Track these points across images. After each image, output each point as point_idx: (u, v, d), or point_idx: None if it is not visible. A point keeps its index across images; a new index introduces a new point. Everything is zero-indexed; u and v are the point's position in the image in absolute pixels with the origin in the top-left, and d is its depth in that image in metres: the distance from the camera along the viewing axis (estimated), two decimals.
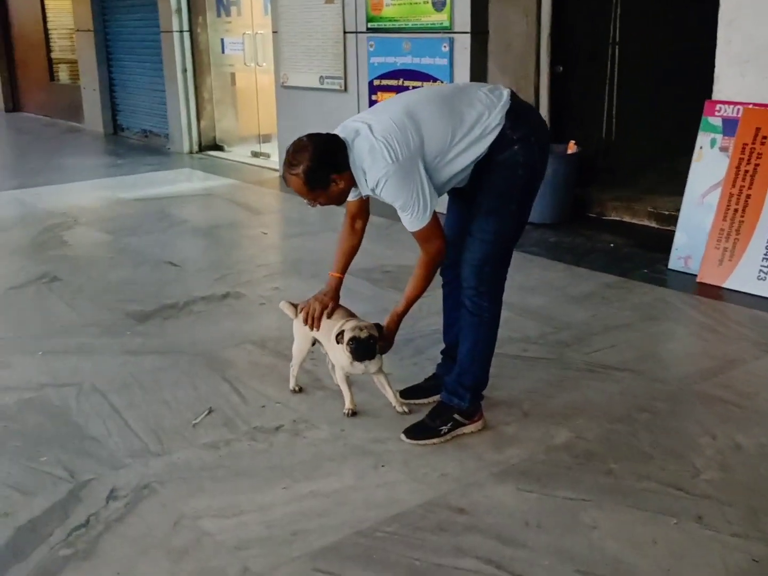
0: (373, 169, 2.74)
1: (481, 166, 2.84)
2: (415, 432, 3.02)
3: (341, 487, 2.70)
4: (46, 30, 12.83)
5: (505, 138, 2.79)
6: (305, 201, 2.92)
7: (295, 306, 3.36)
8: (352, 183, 2.85)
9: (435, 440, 2.98)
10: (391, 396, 3.20)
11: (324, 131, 2.87)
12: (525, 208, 2.97)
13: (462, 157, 2.80)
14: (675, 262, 4.87)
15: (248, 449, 2.96)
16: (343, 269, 3.19)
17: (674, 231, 4.95)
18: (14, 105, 14.12)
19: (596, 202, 6.20)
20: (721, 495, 2.63)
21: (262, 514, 2.56)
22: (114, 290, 4.74)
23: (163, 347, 3.89)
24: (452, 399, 3.03)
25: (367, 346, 3.02)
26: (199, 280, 4.94)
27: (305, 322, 3.18)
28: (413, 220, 2.78)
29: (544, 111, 6.31)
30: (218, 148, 9.55)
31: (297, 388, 3.37)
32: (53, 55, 12.87)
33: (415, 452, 2.92)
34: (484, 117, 2.79)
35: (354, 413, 3.18)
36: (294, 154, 2.79)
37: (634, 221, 5.96)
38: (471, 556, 2.35)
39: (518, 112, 2.85)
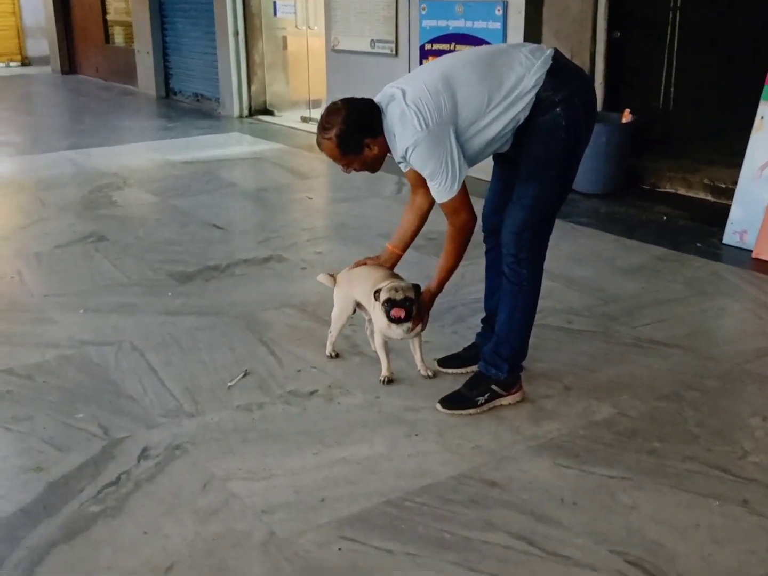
0: (402, 136, 2.69)
1: (522, 130, 2.74)
2: (451, 401, 2.95)
3: (372, 455, 2.65)
4: None
5: (545, 100, 2.68)
6: (340, 167, 2.89)
7: (332, 276, 3.31)
8: (386, 149, 2.81)
9: (471, 411, 2.91)
10: (418, 359, 3.15)
11: (371, 96, 2.82)
12: (568, 174, 2.84)
13: (498, 122, 2.70)
14: (730, 237, 4.70)
15: (281, 413, 2.92)
16: (399, 243, 3.15)
17: (730, 204, 4.77)
18: (70, 67, 14.25)
19: (650, 173, 6.01)
20: None
21: (292, 478, 2.52)
22: (158, 251, 4.74)
23: (203, 308, 3.88)
24: (489, 369, 2.95)
25: (402, 308, 2.95)
26: (242, 242, 4.91)
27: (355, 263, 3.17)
28: (441, 191, 2.72)
29: (599, 78, 6.12)
30: (268, 112, 9.51)
31: (334, 354, 3.33)
32: (109, 18, 12.92)
33: (450, 423, 2.85)
34: (523, 79, 2.68)
35: (390, 381, 3.12)
36: (327, 117, 2.77)
37: (689, 193, 5.77)
38: (502, 531, 2.28)
39: (560, 72, 2.71)
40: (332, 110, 2.77)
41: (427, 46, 6.57)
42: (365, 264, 3.23)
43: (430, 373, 3.16)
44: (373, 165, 2.87)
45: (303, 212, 5.82)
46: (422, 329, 3.10)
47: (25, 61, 16.19)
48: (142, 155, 7.52)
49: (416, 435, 2.77)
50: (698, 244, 4.71)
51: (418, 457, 2.64)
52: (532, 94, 2.67)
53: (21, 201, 5.99)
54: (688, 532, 2.29)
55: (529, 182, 2.76)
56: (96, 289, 4.13)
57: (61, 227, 5.22)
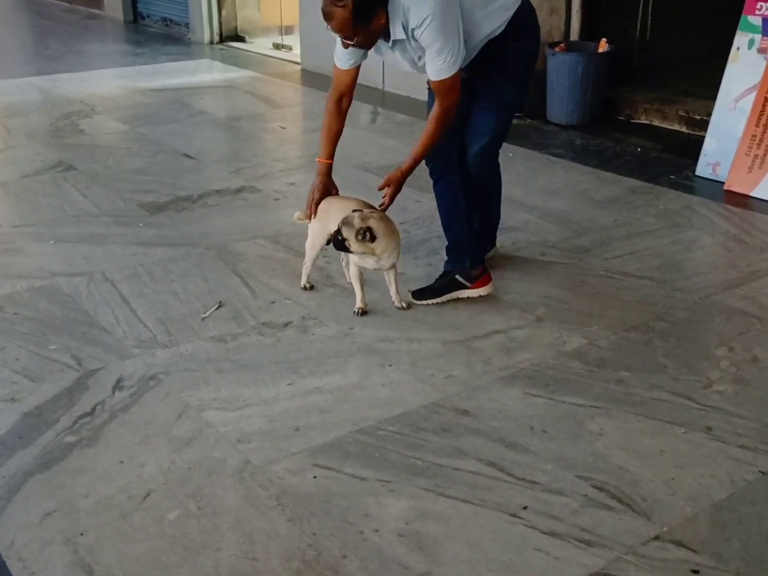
0: (419, 7, 2.70)
1: (495, 52, 2.92)
2: (420, 293, 3.22)
3: (345, 385, 2.68)
4: None
5: (519, 23, 2.94)
6: (339, 38, 2.82)
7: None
8: (386, 24, 2.77)
9: (435, 300, 3.21)
10: (393, 290, 3.17)
11: None
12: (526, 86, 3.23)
13: (487, 22, 2.87)
14: (703, 169, 4.71)
15: (255, 344, 2.94)
16: (332, 154, 3.17)
17: (704, 136, 4.77)
18: None
19: (626, 104, 5.97)
20: (733, 407, 2.58)
21: (266, 408, 2.55)
22: (129, 180, 4.67)
23: (175, 239, 3.85)
24: (453, 265, 3.27)
25: (337, 240, 2.99)
26: (214, 172, 4.85)
27: (306, 217, 3.16)
28: (444, 67, 2.77)
29: (576, 7, 6.02)
30: (239, 39, 9.27)
31: (308, 285, 3.33)
32: None
33: (423, 353, 2.88)
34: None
35: (364, 312, 3.13)
36: None
37: (664, 125, 5.75)
38: (472, 458, 2.33)
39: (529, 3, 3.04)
40: None
41: None
42: (311, 197, 3.19)
43: (404, 305, 3.18)
44: (374, 38, 2.84)
45: (276, 142, 5.74)
46: (386, 206, 3.07)
47: None
48: (110, 82, 7.34)
49: (389, 365, 2.80)
50: (672, 176, 4.73)
51: (390, 387, 2.68)
52: (515, 8, 2.93)
53: None
54: (653, 457, 2.35)
55: (502, 92, 3.05)
56: (66, 220, 4.08)
57: (28, 156, 5.11)
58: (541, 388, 2.67)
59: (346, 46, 2.86)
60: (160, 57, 8.58)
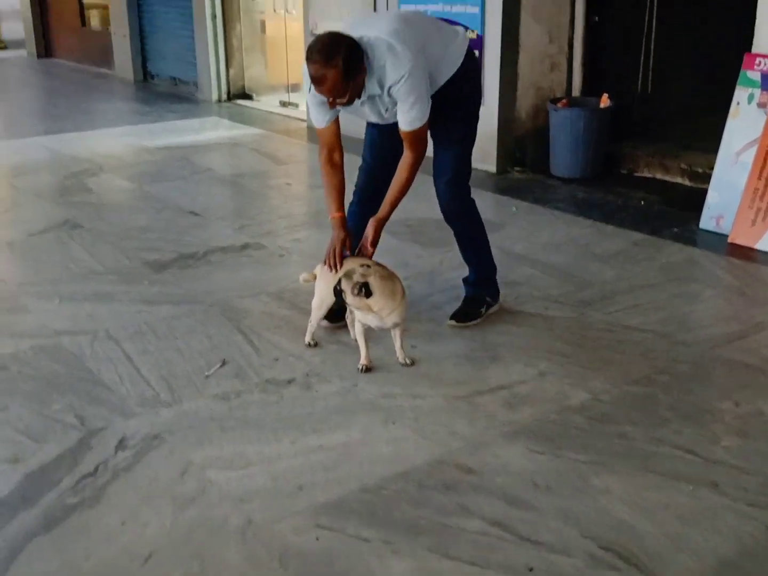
0: (397, 66, 2.89)
1: (450, 94, 3.14)
2: (460, 317, 3.49)
3: (349, 442, 2.67)
4: None
5: (468, 65, 3.20)
6: (327, 100, 2.95)
7: (313, 273, 3.35)
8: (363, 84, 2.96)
9: (476, 321, 3.51)
10: (398, 346, 3.18)
11: None
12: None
13: (447, 68, 3.11)
14: (706, 222, 4.74)
15: (258, 401, 2.94)
16: (343, 206, 3.25)
17: (707, 189, 4.81)
18: (46, 50, 14.06)
19: (628, 158, 6.04)
20: (739, 462, 2.56)
21: (269, 466, 2.54)
22: (134, 238, 4.72)
23: (179, 296, 3.87)
24: (481, 291, 3.58)
25: (335, 291, 3.05)
26: (219, 229, 4.90)
27: (329, 267, 3.18)
28: (417, 117, 2.98)
29: (577, 63, 6.14)
30: (246, 96, 9.45)
31: (312, 343, 3.33)
32: (85, 0, 12.75)
33: (426, 409, 2.87)
34: (459, 39, 3.18)
35: (368, 369, 3.14)
36: (328, 45, 2.83)
37: (666, 178, 5.81)
38: (477, 517, 2.31)
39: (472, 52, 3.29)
40: (330, 39, 2.85)
41: None
42: (332, 249, 3.21)
43: (408, 361, 3.18)
44: (358, 93, 2.99)
45: (281, 198, 5.80)
46: (370, 255, 3.16)
47: (1, 45, 15.96)
48: (118, 140, 7.47)
49: (393, 422, 2.79)
50: (675, 229, 4.75)
51: (394, 444, 2.67)
52: (462, 59, 3.15)
53: None
54: (658, 513, 2.33)
55: (459, 135, 3.30)
56: (71, 278, 4.12)
57: (35, 214, 5.18)
58: (544, 443, 2.66)
59: (333, 106, 2.98)
60: (168, 115, 8.74)
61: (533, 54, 5.98)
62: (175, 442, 2.68)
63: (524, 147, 6.14)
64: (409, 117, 3.00)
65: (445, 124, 3.25)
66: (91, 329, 3.50)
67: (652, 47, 6.52)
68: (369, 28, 3.00)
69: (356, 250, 3.21)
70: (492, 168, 6.08)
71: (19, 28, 14.74)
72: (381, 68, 2.90)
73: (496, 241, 4.54)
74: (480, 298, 3.57)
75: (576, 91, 6.20)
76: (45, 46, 14.04)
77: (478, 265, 3.62)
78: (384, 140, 3.33)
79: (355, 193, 3.51)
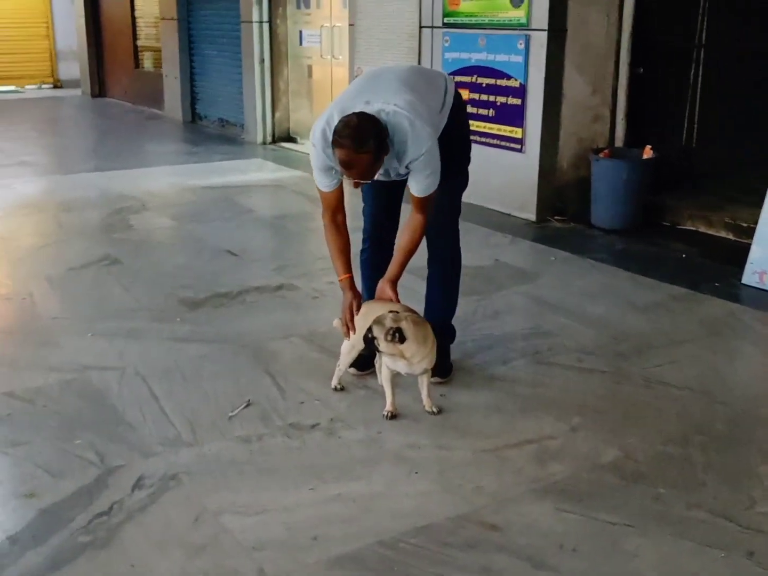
0: (417, 143, 2.90)
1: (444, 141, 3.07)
2: (441, 372, 3.32)
3: (369, 493, 2.60)
4: (133, 17, 13.06)
5: (457, 109, 3.22)
6: (350, 181, 2.95)
7: None
8: None
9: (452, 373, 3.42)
10: (425, 394, 3.11)
11: None
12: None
13: (441, 121, 3.11)
14: (749, 277, 4.61)
15: (281, 446, 2.88)
16: (350, 267, 3.24)
17: (750, 244, 4.69)
18: (100, 90, 14.43)
19: (671, 210, 5.94)
20: None
21: (285, 514, 2.48)
22: (171, 276, 4.74)
23: (211, 336, 3.86)
24: (447, 339, 3.47)
25: (366, 339, 2.98)
26: (255, 270, 4.90)
27: (344, 335, 3.17)
28: (431, 185, 3.00)
29: (621, 114, 6.09)
30: (291, 140, 9.55)
31: (339, 387, 3.28)
32: (139, 43, 13.10)
33: (452, 461, 2.79)
34: (447, 92, 3.18)
35: (393, 416, 3.07)
36: (360, 131, 2.80)
37: (709, 232, 5.69)
38: None
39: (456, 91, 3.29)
40: (359, 124, 2.80)
41: None
42: (344, 316, 3.20)
43: (435, 410, 3.11)
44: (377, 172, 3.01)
45: (319, 241, 5.73)
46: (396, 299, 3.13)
47: (57, 84, 16.43)
48: (163, 179, 7.57)
49: (416, 473, 2.71)
50: (716, 284, 4.63)
51: (416, 497, 2.59)
52: (450, 106, 3.16)
53: (39, 222, 6.04)
54: None
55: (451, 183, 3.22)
56: (105, 314, 4.13)
57: (76, 250, 5.24)
58: (573, 502, 2.56)
59: (357, 186, 2.97)
60: (214, 156, 8.86)
61: (576, 104, 5.95)
62: (192, 484, 2.63)
63: (565, 197, 6.08)
64: (423, 185, 3.01)
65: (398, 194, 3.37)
66: (119, 366, 3.49)
67: (698, 99, 6.45)
68: (379, 94, 2.96)
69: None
70: (531, 217, 6.02)
71: (76, 68, 15.17)
72: (402, 144, 2.90)
73: (530, 291, 4.50)
74: (447, 347, 3.47)
75: (619, 141, 6.14)
76: (99, 86, 14.42)
77: (447, 309, 3.53)
78: (385, 188, 3.33)
79: (364, 240, 3.50)
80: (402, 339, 2.91)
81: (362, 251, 3.51)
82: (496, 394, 3.30)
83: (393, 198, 3.39)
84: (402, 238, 3.16)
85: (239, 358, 3.61)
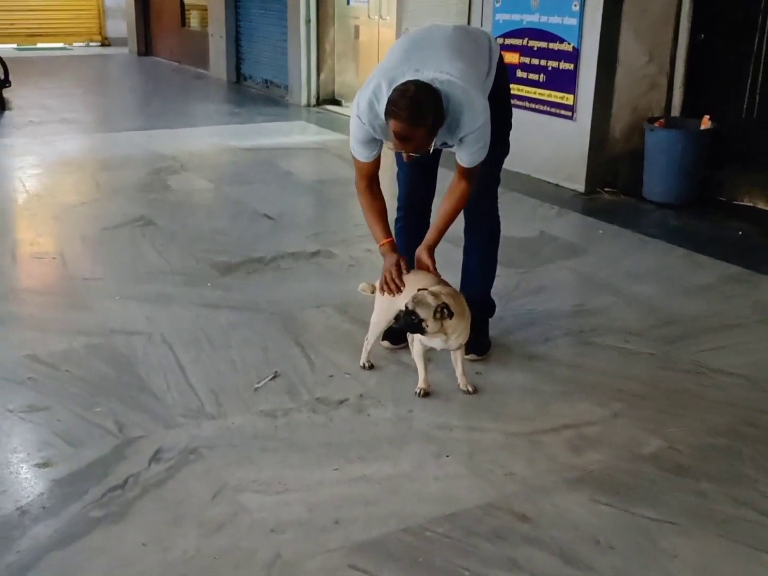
0: (473, 116, 2.74)
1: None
2: (478, 349, 3.19)
3: (396, 475, 2.47)
4: None
5: (501, 79, 3.04)
6: (404, 153, 2.79)
7: (373, 285, 3.15)
8: None
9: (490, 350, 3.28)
10: (459, 372, 2.97)
11: None
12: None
13: (488, 86, 2.95)
14: None
15: (306, 421, 2.77)
16: (390, 232, 3.09)
17: None
18: (147, 48, 14.38)
19: (728, 185, 5.66)
20: None
21: (307, 494, 2.37)
22: (205, 239, 4.64)
23: (241, 303, 3.75)
24: (485, 312, 3.33)
25: (407, 320, 2.79)
26: (292, 235, 4.78)
27: (387, 291, 3.00)
28: (480, 156, 2.86)
29: (678, 82, 5.81)
30: (336, 102, 9.38)
31: (368, 364, 3.14)
32: (186, 1, 12.97)
33: (483, 444, 2.66)
34: (492, 55, 2.99)
35: (426, 394, 2.94)
36: (418, 103, 2.63)
37: None
38: (526, 572, 2.09)
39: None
40: (417, 96, 2.62)
41: (500, 41, 6.32)
42: (388, 274, 3.02)
43: (470, 389, 2.97)
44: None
45: (359, 207, 5.64)
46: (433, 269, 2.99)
47: (105, 42, 16.42)
48: (204, 140, 7.47)
49: (446, 456, 2.58)
50: None
51: (444, 481, 2.46)
52: (493, 76, 2.98)
53: (77, 180, 5.98)
54: None
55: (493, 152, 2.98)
56: (136, 276, 4.05)
57: (112, 209, 5.17)
58: (610, 495, 2.41)
59: (410, 159, 2.81)
60: (257, 117, 8.74)
61: (631, 71, 5.69)
62: (212, 459, 2.53)
63: (616, 168, 5.84)
64: (474, 157, 2.87)
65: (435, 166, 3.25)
66: (146, 331, 3.41)
67: (761, 69, 6.11)
68: (429, 61, 2.77)
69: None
70: (580, 188, 5.80)
71: (123, 26, 15.12)
72: (456, 116, 2.73)
73: (576, 266, 4.32)
74: (486, 321, 3.37)
75: (675, 111, 5.87)
76: (146, 45, 14.36)
77: (486, 281, 3.37)
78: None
79: (399, 209, 3.36)
80: (451, 314, 2.79)
81: (397, 220, 3.36)
82: (534, 374, 3.14)
83: (430, 164, 3.22)
84: (444, 204, 3.00)
85: (269, 327, 3.50)
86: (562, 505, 2.36)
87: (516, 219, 5.10)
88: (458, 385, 2.98)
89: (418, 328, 2.80)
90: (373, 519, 2.27)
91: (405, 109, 2.61)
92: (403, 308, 2.82)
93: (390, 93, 2.69)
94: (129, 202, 5.37)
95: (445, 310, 2.78)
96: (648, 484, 2.47)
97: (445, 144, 2.91)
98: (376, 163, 3.00)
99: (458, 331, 2.86)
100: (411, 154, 2.77)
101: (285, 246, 4.54)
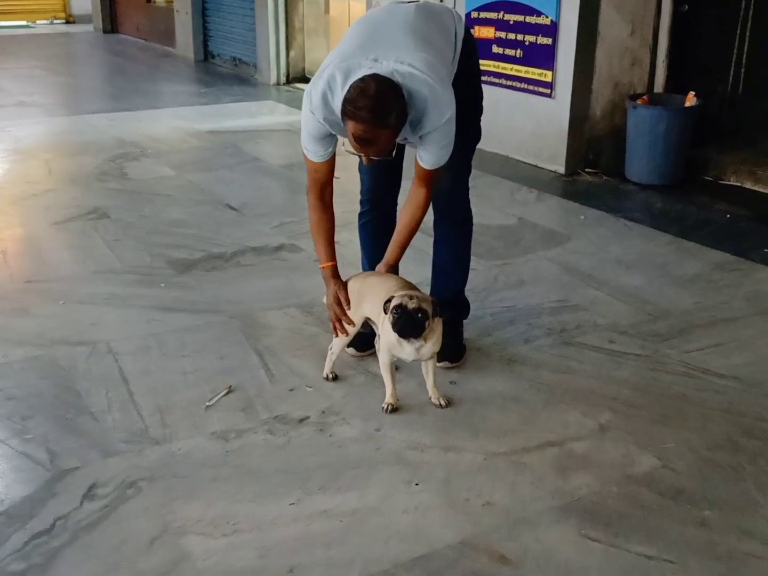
0: (438, 112, 2.46)
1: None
2: (452, 356, 2.92)
3: (360, 509, 2.20)
4: None
5: (468, 61, 2.75)
6: (361, 156, 2.55)
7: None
8: None
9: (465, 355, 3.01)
10: (431, 384, 2.71)
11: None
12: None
13: (452, 71, 2.66)
14: None
15: (262, 444, 2.49)
16: (334, 254, 2.80)
17: None
18: (112, 26, 13.90)
19: (714, 164, 5.40)
20: None
21: (260, 535, 2.09)
22: (162, 232, 4.34)
23: (198, 304, 3.46)
24: (461, 313, 3.08)
25: (413, 320, 2.50)
26: (256, 226, 4.48)
27: (334, 332, 2.76)
28: (443, 157, 2.59)
29: (661, 57, 5.54)
30: (306, 80, 9.00)
31: (331, 376, 2.87)
32: None
33: (459, 467, 2.39)
34: (457, 36, 2.68)
35: (395, 409, 2.67)
36: (380, 102, 2.32)
37: (756, 188, 5.17)
38: None
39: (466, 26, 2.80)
40: (378, 94, 2.31)
41: (474, 14, 6.01)
42: (332, 312, 2.78)
43: (443, 402, 2.70)
44: None
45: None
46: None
47: (70, 19, 15.92)
48: (167, 123, 7.12)
49: (416, 484, 2.31)
50: (765, 250, 4.15)
51: (415, 514, 2.19)
52: (458, 59, 2.68)
53: (29, 169, 5.62)
54: None
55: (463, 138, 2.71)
56: (85, 276, 3.74)
57: (64, 201, 4.84)
58: (601, 527, 2.15)
59: (370, 163, 2.52)
60: (224, 97, 8.39)
61: (612, 46, 5.40)
62: (153, 494, 2.25)
63: (598, 148, 5.57)
64: (436, 157, 2.59)
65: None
66: (91, 340, 3.11)
67: (747, 42, 5.83)
68: (388, 49, 2.44)
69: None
70: (561, 169, 5.53)
71: (88, 2, 14.61)
72: (418, 113, 2.45)
73: (559, 256, 4.05)
74: (459, 324, 3.09)
75: (659, 87, 5.60)
76: (111, 22, 13.89)
77: (460, 279, 3.08)
78: None
79: (362, 203, 3.09)
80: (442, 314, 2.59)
81: (360, 215, 3.09)
82: (515, 381, 2.88)
83: (394, 158, 2.91)
84: (403, 216, 2.73)
85: (227, 332, 3.21)
86: (546, 541, 2.10)
87: (493, 204, 4.84)
88: (429, 397, 2.72)
89: (422, 328, 2.52)
90: (333, 565, 2.00)
91: (366, 109, 2.31)
92: (393, 309, 2.51)
93: (346, 89, 2.38)
94: (83, 192, 5.04)
95: (438, 309, 2.54)
96: (642, 512, 2.21)
97: (405, 140, 2.61)
98: (331, 163, 2.70)
99: (434, 336, 2.60)
100: (372, 158, 2.47)
101: (247, 239, 4.25)
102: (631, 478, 2.35)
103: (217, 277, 3.77)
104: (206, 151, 6.20)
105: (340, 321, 2.74)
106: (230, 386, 2.80)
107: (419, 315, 2.50)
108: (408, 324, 2.51)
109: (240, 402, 2.72)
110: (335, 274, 2.79)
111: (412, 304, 2.50)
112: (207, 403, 2.70)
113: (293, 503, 2.22)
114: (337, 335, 2.78)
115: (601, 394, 2.79)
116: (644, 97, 5.36)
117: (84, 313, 3.35)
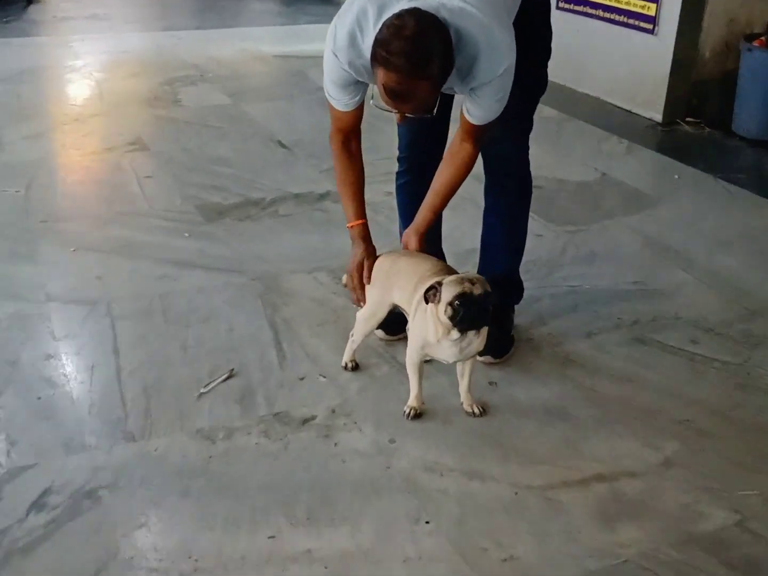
0: (493, 60, 2.00)
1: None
2: (497, 349, 2.45)
3: (351, 552, 1.80)
4: None
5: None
6: (398, 113, 2.02)
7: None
8: None
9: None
10: (464, 388, 2.26)
11: None
12: None
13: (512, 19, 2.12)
14: None
15: (253, 450, 2.11)
16: (364, 210, 2.36)
17: None
18: None
19: None
20: None
21: None
22: (201, 171, 3.95)
23: (220, 261, 3.08)
24: (510, 297, 2.63)
25: (481, 310, 2.03)
26: (304, 169, 4.05)
27: (354, 302, 2.35)
28: (500, 108, 2.12)
29: None
30: None
31: (351, 365, 2.45)
32: None
33: (480, 502, 1.95)
34: None
35: (418, 415, 2.24)
36: (419, 46, 1.85)
37: None
38: None
39: None
40: (418, 35, 1.85)
41: None
42: (351, 279, 2.36)
43: (476, 410, 2.26)
44: None
45: (391, 137, 4.83)
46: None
47: None
48: (235, 44, 6.67)
49: (426, 522, 1.90)
50: None
51: (416, 564, 1.78)
52: None
53: (79, 90, 5.29)
54: None
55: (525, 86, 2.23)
56: (105, 218, 3.40)
57: (106, 129, 4.50)
58: None
59: (404, 120, 2.04)
60: (301, 18, 7.87)
61: None
62: (111, 508, 1.90)
63: (703, 94, 4.89)
64: (486, 112, 2.13)
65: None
66: (90, 299, 2.77)
67: None
68: None
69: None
70: (657, 116, 4.89)
71: None
72: (469, 60, 1.98)
73: (643, 224, 3.51)
74: (508, 310, 2.63)
75: None
76: None
77: (515, 258, 2.63)
78: None
79: (399, 160, 2.65)
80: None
81: (398, 174, 2.65)
82: (565, 388, 2.40)
83: (440, 105, 2.42)
84: (441, 174, 2.26)
85: (244, 297, 2.83)
86: None
87: (574, 155, 4.27)
88: (461, 403, 2.27)
89: (487, 315, 2.06)
90: None
91: (401, 54, 1.84)
92: (456, 300, 2.02)
93: (379, 27, 1.90)
94: (129, 119, 4.69)
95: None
96: None
97: (451, 89, 2.12)
98: (357, 114, 2.24)
99: (485, 330, 2.14)
100: (408, 115, 1.99)
101: (291, 184, 3.82)
102: (694, 538, 1.88)
103: (248, 229, 3.37)
104: (269, 77, 5.77)
105: (356, 291, 2.33)
106: (232, 369, 2.41)
107: (487, 301, 2.04)
108: (479, 315, 2.05)
109: (240, 390, 2.33)
110: (365, 234, 2.35)
111: (476, 290, 2.02)
112: (202, 390, 2.32)
113: (272, 536, 1.83)
114: (358, 305, 2.37)
115: (671, 417, 2.29)
116: (763, 38, 4.64)
117: (92, 263, 3.01)
